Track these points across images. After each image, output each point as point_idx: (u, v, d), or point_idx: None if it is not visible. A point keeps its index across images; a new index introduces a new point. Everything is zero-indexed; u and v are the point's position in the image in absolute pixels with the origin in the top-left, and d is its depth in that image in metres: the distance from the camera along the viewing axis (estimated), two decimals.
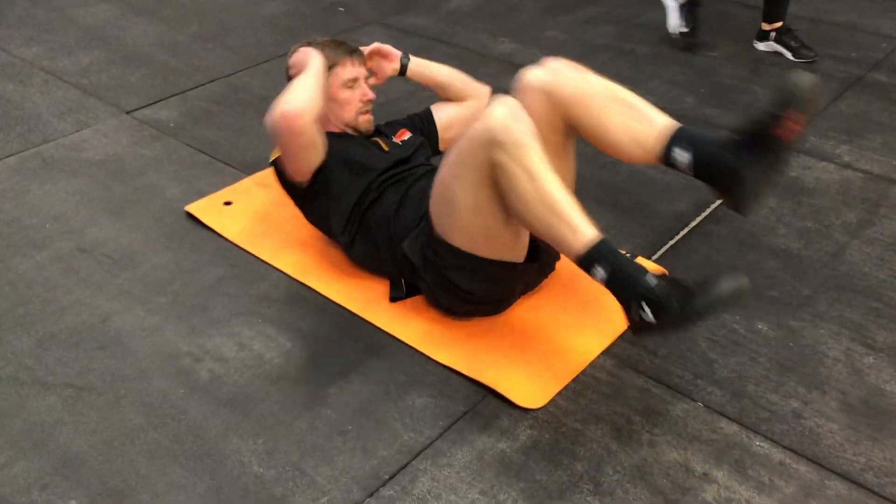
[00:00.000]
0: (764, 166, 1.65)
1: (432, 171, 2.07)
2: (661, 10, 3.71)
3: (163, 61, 3.25)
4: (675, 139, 1.71)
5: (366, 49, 2.20)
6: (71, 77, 3.12)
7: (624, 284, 1.59)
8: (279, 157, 2.04)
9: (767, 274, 2.14)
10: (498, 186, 1.69)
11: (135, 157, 2.62)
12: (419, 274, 1.92)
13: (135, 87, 3.05)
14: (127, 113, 2.88)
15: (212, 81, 3.11)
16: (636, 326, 1.62)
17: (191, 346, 1.90)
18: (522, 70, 1.87)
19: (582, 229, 1.62)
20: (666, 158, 1.72)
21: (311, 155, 1.98)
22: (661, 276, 1.59)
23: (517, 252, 1.85)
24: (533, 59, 1.98)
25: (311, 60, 2.00)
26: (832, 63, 3.26)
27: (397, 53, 2.23)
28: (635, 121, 1.75)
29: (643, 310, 1.56)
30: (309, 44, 2.11)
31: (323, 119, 2.15)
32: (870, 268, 2.15)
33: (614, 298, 1.64)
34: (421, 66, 2.27)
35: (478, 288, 1.88)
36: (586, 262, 1.62)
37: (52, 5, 3.76)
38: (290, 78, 2.08)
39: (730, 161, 1.65)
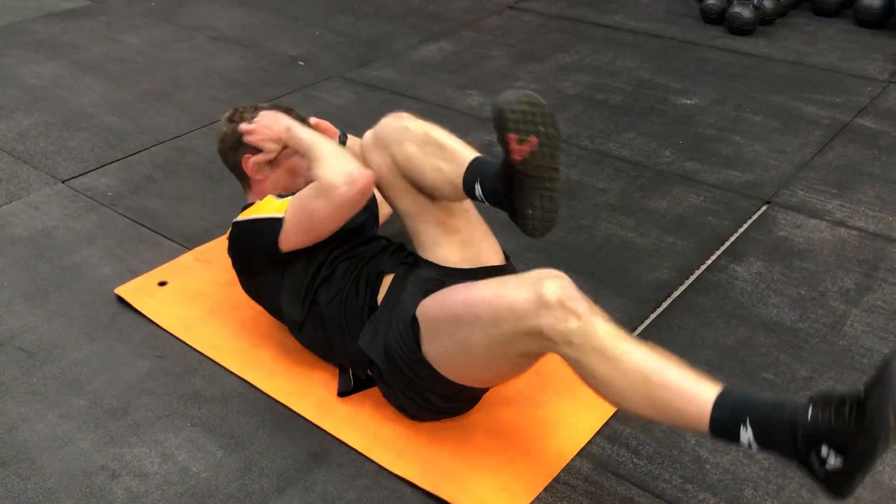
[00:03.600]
0: (523, 192, 1.56)
1: (385, 248, 1.88)
2: (635, 56, 3.56)
3: (107, 123, 3.04)
4: (471, 173, 1.67)
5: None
6: (6, 143, 2.90)
7: (780, 438, 1.26)
8: (266, 219, 1.79)
9: (761, 352, 1.92)
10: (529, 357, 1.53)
11: (66, 231, 2.40)
12: (380, 374, 1.69)
13: (74, 153, 2.83)
14: (63, 182, 2.65)
15: (158, 144, 2.90)
16: (832, 484, 1.25)
17: (107, 458, 1.65)
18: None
19: (697, 393, 1.33)
20: (471, 194, 1.68)
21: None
22: (810, 402, 1.26)
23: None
24: None
25: (295, 125, 1.85)
26: (816, 109, 3.09)
27: (336, 131, 2.10)
28: (445, 161, 1.71)
29: (823, 458, 1.22)
30: (256, 108, 1.96)
31: (263, 188, 1.97)
32: (872, 341, 1.94)
33: (590, 389, 1.43)
34: (357, 145, 2.13)
35: (454, 407, 1.70)
36: (722, 433, 1.31)
37: None
38: (243, 145, 1.91)
39: (500, 190, 1.61)
